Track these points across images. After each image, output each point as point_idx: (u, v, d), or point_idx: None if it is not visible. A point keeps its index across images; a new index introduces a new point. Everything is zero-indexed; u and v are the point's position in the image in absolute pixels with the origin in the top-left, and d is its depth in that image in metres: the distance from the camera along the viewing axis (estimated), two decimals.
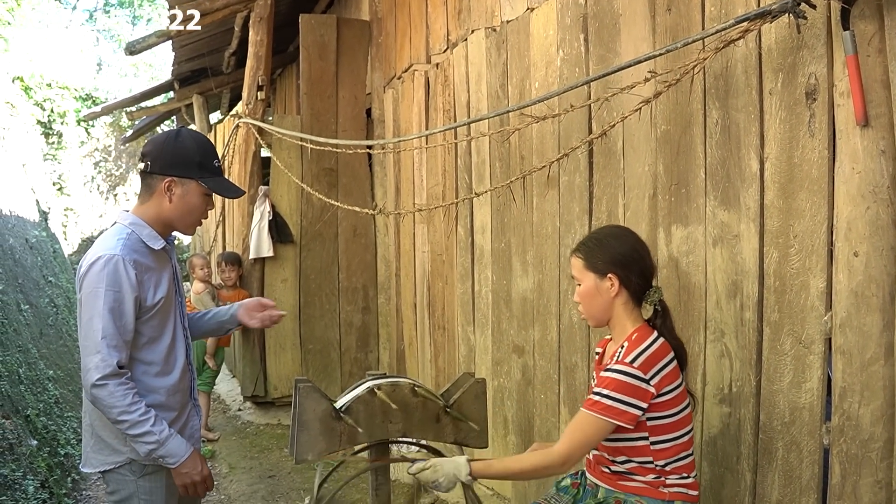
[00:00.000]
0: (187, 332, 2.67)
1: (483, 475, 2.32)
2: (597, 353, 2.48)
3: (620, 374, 2.12)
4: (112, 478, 2.49)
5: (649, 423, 2.16)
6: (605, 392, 2.13)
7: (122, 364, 2.34)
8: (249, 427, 6.52)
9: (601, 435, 2.16)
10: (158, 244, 2.49)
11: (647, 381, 2.12)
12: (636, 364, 2.13)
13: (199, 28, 6.24)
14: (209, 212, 2.61)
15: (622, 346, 2.21)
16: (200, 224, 2.62)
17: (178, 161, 2.45)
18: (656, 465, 2.19)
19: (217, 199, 8.81)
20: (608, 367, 2.17)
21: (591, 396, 2.16)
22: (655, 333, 2.22)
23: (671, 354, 2.21)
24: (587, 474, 2.42)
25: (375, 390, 2.68)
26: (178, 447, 2.40)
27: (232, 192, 2.58)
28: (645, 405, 2.13)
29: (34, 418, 4.82)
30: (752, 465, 2.47)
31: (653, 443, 2.18)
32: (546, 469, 2.20)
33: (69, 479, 4.84)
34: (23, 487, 3.89)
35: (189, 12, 6.05)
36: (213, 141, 9.15)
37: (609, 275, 2.25)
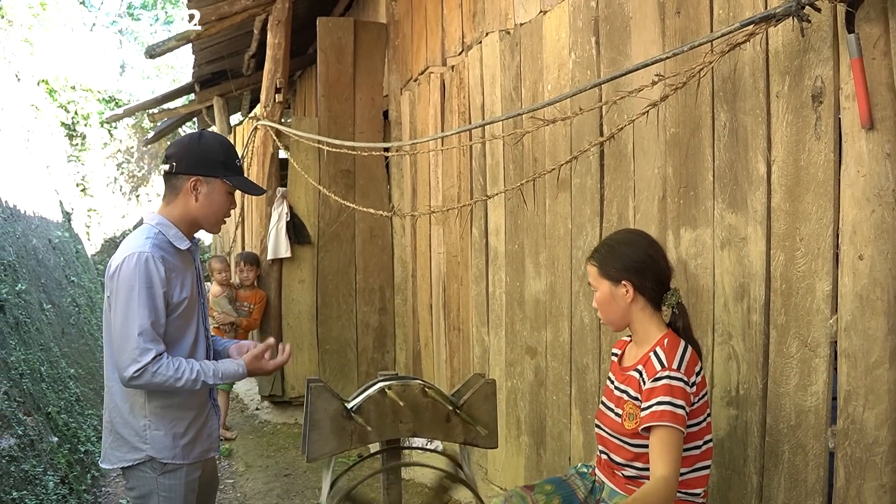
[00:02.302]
0: (209, 332, 2.75)
1: None
2: (614, 355, 2.48)
3: (675, 381, 2.11)
4: (132, 475, 2.56)
5: None
6: (670, 400, 2.09)
7: (158, 353, 2.43)
8: (266, 426, 6.59)
9: (682, 444, 2.11)
10: (184, 245, 2.57)
11: (691, 387, 2.14)
12: (682, 370, 2.15)
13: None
14: (233, 209, 2.70)
15: (654, 352, 2.21)
16: (224, 223, 2.71)
17: (203, 160, 2.54)
18: None
19: (237, 201, 8.87)
20: (658, 376, 2.14)
21: (661, 408, 2.08)
22: (684, 342, 2.24)
23: (700, 364, 2.23)
24: (597, 470, 2.44)
25: (386, 390, 2.71)
26: (229, 369, 2.58)
27: (255, 189, 2.69)
28: (688, 410, 2.13)
29: (55, 415, 4.90)
30: (759, 468, 2.47)
31: None
32: (671, 499, 2.06)
33: (89, 475, 4.92)
34: (43, 483, 3.97)
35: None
36: (232, 142, 9.25)
37: (623, 282, 2.27)
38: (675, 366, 2.15)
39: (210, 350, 2.73)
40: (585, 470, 2.52)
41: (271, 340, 2.74)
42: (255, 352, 2.64)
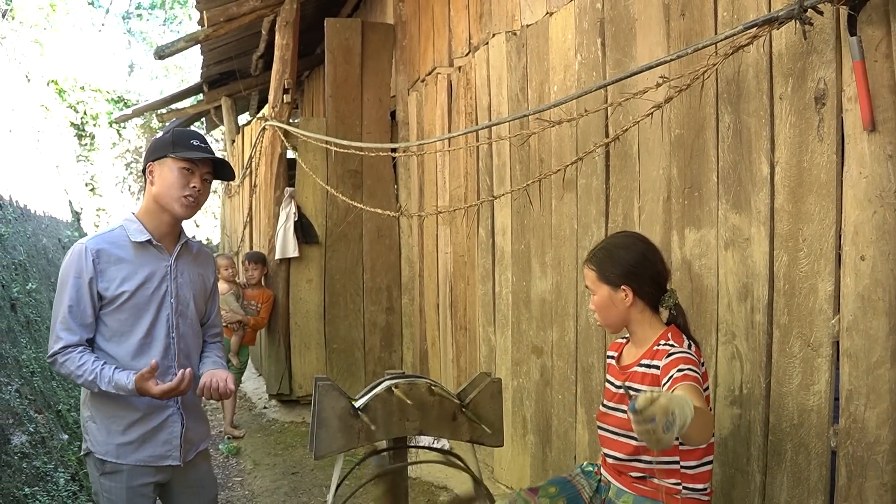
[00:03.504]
0: (175, 333, 2.63)
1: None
2: (611, 358, 2.50)
3: (689, 355, 2.14)
4: (88, 467, 2.61)
5: None
6: (689, 367, 2.09)
7: (69, 345, 2.45)
8: (274, 424, 6.62)
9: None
10: (140, 237, 2.56)
11: (702, 367, 2.18)
12: (692, 350, 2.19)
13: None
14: (195, 189, 2.57)
15: (660, 343, 2.24)
16: (188, 200, 2.57)
17: (154, 148, 2.61)
18: (681, 467, 2.21)
19: (245, 201, 8.85)
20: (672, 352, 2.17)
21: (681, 373, 2.07)
22: (686, 336, 2.27)
23: (702, 358, 2.26)
24: (602, 471, 2.46)
25: (393, 388, 2.74)
26: (121, 381, 2.42)
27: (200, 152, 2.55)
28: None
29: (65, 413, 4.95)
30: (762, 467, 2.49)
31: (681, 444, 2.19)
32: (712, 424, 2.05)
33: None
34: (54, 479, 4.01)
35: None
36: (240, 142, 9.29)
37: (622, 286, 2.29)
38: (685, 347, 2.20)
39: (177, 357, 2.62)
40: (591, 468, 2.54)
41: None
42: (143, 370, 2.42)
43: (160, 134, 2.69)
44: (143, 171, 2.63)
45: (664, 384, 2.12)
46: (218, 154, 2.75)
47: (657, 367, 2.19)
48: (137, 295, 2.54)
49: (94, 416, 2.54)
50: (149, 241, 2.58)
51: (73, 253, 2.50)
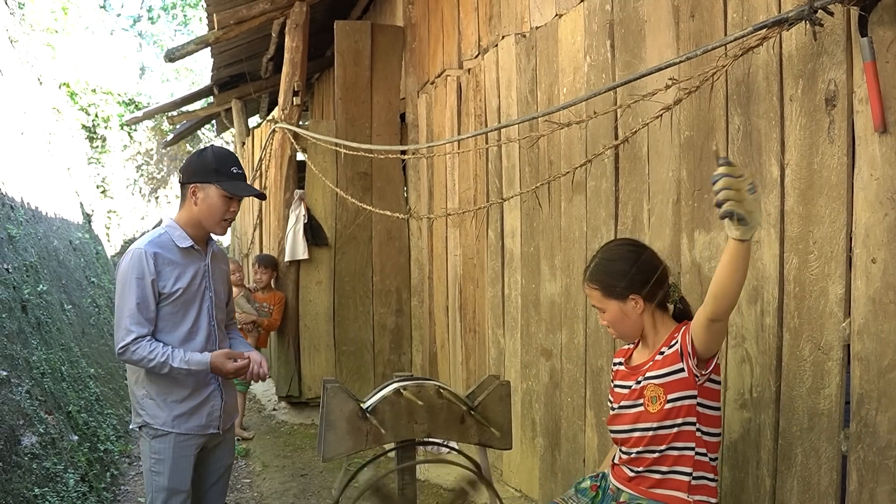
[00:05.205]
0: (214, 321, 3.06)
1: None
2: (618, 364, 2.48)
3: None
4: (138, 438, 3.07)
5: (699, 409, 2.18)
6: None
7: (140, 336, 2.82)
8: (283, 426, 6.63)
9: None
10: (185, 243, 2.95)
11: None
12: None
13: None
14: (234, 212, 3.00)
15: (675, 341, 2.23)
16: (226, 222, 3.00)
17: (198, 170, 2.94)
18: (696, 453, 2.19)
19: (255, 203, 8.90)
20: (683, 329, 2.19)
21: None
22: None
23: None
24: (610, 478, 2.44)
25: (401, 391, 2.73)
26: (198, 361, 2.87)
27: (245, 191, 2.97)
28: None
29: (75, 414, 4.96)
30: (772, 471, 2.48)
31: (698, 430, 2.19)
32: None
33: (108, 473, 4.98)
34: (64, 480, 4.02)
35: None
36: (251, 144, 9.32)
37: (630, 296, 2.29)
38: None
39: (215, 338, 3.04)
40: (587, 484, 2.52)
41: (253, 355, 3.03)
42: (226, 352, 2.96)
43: (199, 152, 3.03)
44: (182, 183, 2.97)
45: (686, 342, 2.14)
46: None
47: (675, 346, 2.20)
48: (187, 291, 2.94)
49: (150, 393, 2.92)
50: (192, 247, 2.96)
51: (133, 257, 2.85)
